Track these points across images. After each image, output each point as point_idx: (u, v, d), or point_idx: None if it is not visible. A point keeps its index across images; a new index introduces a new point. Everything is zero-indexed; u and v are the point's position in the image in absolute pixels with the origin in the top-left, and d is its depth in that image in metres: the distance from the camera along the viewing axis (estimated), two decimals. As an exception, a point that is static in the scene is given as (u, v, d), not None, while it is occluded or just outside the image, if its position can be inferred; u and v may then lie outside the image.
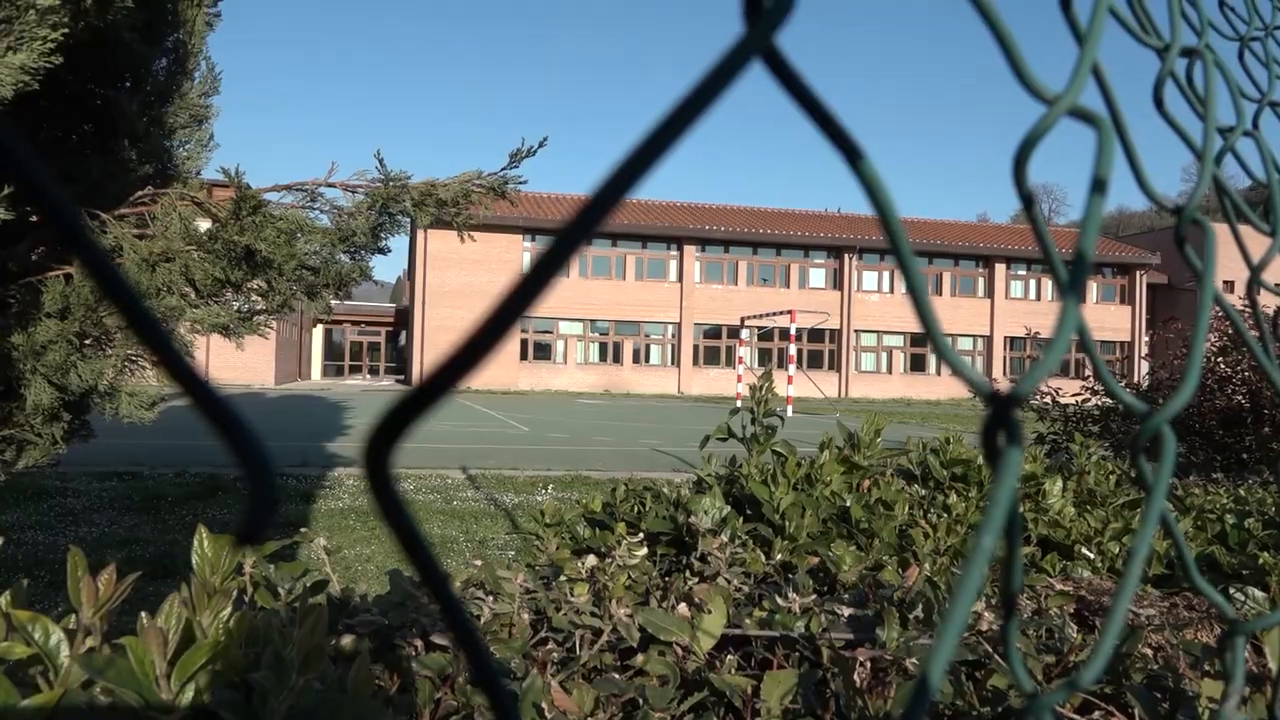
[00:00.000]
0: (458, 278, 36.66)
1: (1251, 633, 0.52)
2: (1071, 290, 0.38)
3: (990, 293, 42.02)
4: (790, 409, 24.95)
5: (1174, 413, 0.45)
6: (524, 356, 37.96)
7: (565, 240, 0.28)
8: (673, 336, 39.28)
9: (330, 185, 3.76)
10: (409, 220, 3.89)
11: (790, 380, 25.71)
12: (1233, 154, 0.81)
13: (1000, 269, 41.78)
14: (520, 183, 3.87)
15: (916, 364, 41.21)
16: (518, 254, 37.32)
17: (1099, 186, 0.41)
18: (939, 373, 41.59)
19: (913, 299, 0.41)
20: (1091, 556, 2.89)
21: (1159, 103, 0.65)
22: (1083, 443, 4.27)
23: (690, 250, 38.75)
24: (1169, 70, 0.68)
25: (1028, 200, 0.44)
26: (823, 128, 0.36)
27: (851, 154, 0.36)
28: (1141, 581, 2.91)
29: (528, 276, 0.28)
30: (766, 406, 3.06)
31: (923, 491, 3.38)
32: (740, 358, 29.79)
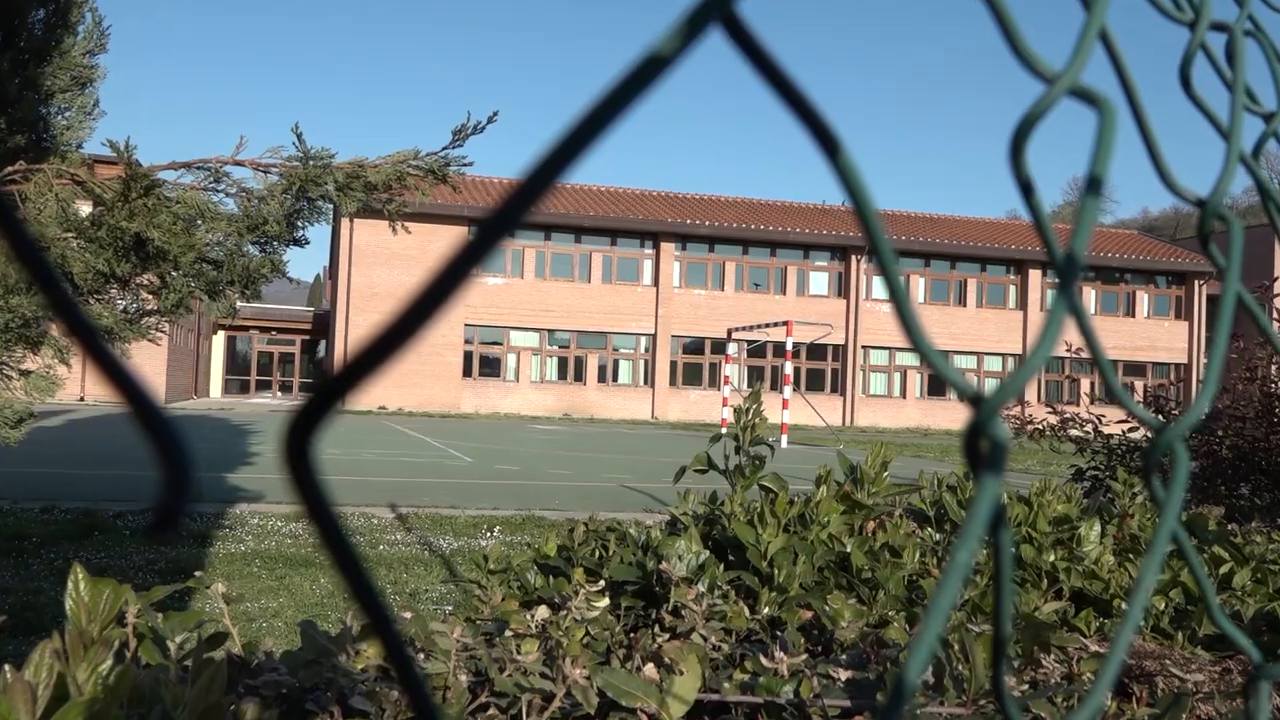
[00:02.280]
0: (389, 277, 36.63)
1: (1278, 679, 0.55)
2: (1062, 293, 0.42)
3: (1023, 303, 42.52)
4: (785, 439, 25.08)
5: (1188, 427, 0.48)
6: (468, 373, 37.96)
7: (495, 225, 0.30)
8: (646, 351, 39.46)
9: (238, 164, 3.76)
10: (332, 207, 3.91)
11: (785, 405, 25.88)
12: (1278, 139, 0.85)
13: (1035, 275, 42.26)
14: (465, 164, 3.90)
15: (935, 388, 41.61)
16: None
17: (1094, 185, 0.45)
18: (962, 399, 42.08)
19: (891, 299, 0.44)
20: (1140, 620, 2.94)
21: (1185, 81, 0.69)
22: (1127, 480, 4.34)
23: (668, 248, 39.01)
24: (1199, 43, 0.72)
25: (1026, 188, 0.47)
26: (793, 109, 0.39)
27: (827, 143, 0.39)
28: (1191, 643, 2.95)
29: (456, 258, 0.30)
30: (754, 433, 3.10)
31: (937, 536, 3.42)
32: (726, 377, 29.93)
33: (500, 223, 0.31)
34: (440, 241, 36.53)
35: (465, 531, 9.35)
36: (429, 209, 35.07)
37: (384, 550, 8.30)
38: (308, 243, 3.69)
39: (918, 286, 41.89)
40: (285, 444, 0.30)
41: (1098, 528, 3.49)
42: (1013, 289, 42.77)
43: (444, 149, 3.83)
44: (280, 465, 0.31)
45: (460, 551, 8.33)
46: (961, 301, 41.90)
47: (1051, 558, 3.32)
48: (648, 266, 39.51)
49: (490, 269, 37.82)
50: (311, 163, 3.47)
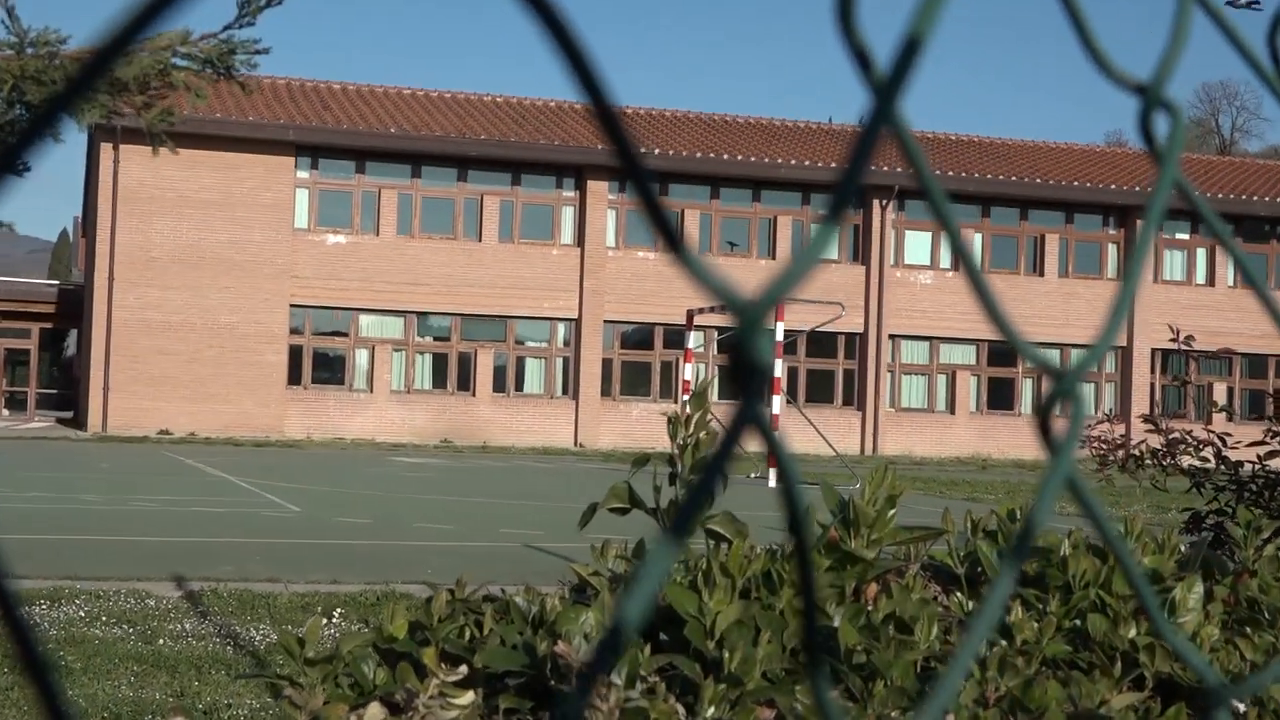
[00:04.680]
0: (175, 233, 36.41)
1: (1237, 700, 0.65)
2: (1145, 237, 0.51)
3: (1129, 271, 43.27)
4: (774, 473, 25.28)
5: (1085, 369, 0.57)
6: (295, 379, 37.83)
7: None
8: (566, 344, 39.58)
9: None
10: (72, 121, 3.92)
11: (775, 422, 26.08)
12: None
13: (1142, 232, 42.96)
14: (257, 50, 3.93)
15: (999, 396, 42.19)
16: (287, 187, 37.15)
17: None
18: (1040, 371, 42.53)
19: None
20: (1243, 709, 3.08)
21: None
22: (1250, 521, 4.49)
23: (598, 190, 39.15)
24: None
25: (861, 58, 0.56)
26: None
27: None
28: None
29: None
30: (698, 453, 3.19)
31: (968, 602, 3.54)
32: (686, 383, 30.01)
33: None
34: (254, 178, 36.35)
35: (289, 616, 9.35)
36: (235, 128, 34.87)
37: (165, 646, 8.30)
38: (26, 169, 3.70)
39: (973, 244, 42.38)
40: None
41: (1199, 589, 3.64)
42: (1112, 251, 43.38)
43: (226, 29, 3.87)
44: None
45: (279, 649, 8.34)
46: (1038, 268, 42.50)
47: (1131, 632, 3.45)
48: (568, 217, 39.63)
49: (327, 220, 37.70)
50: (31, 51, 3.49)
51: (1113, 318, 0.49)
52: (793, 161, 39.99)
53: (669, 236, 0.46)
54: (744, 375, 0.48)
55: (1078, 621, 3.54)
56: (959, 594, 3.63)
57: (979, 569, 3.72)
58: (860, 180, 0.49)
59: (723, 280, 0.47)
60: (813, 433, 34.81)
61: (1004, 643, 3.34)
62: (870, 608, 3.25)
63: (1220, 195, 42.05)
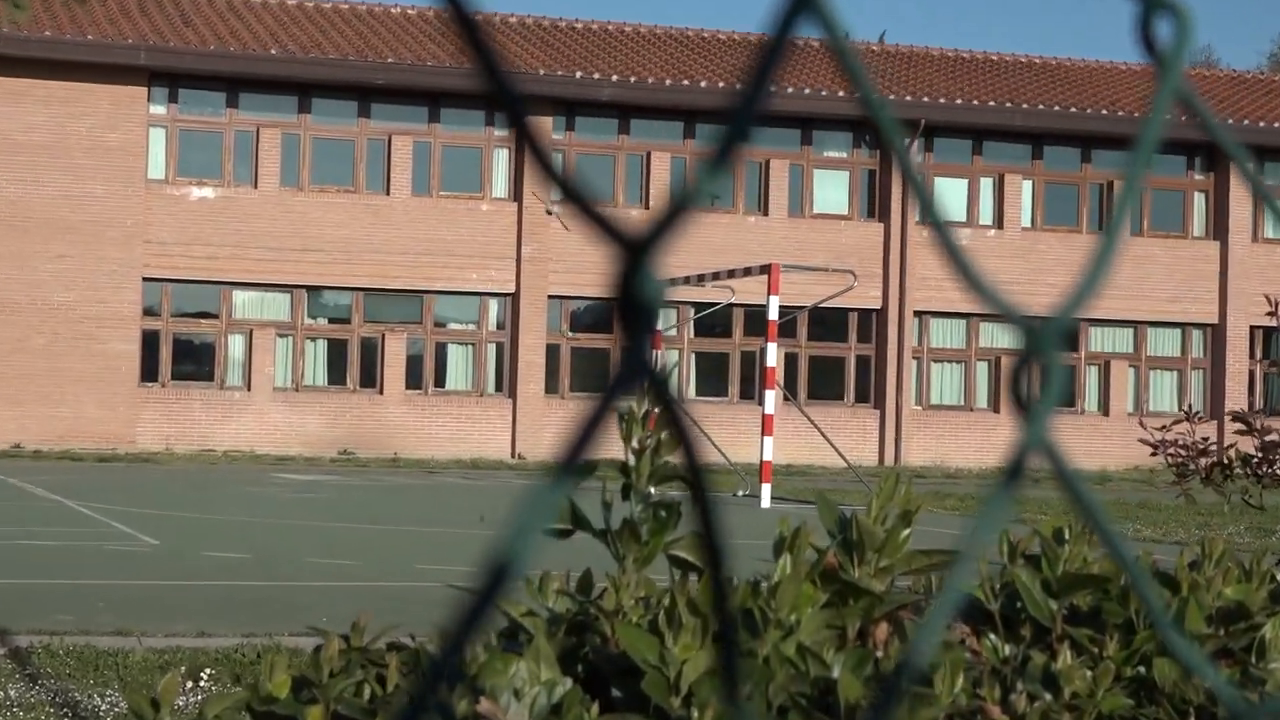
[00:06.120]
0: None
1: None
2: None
3: (1219, 230, 43.14)
4: (767, 490, 25.31)
5: (1063, 325, 0.61)
6: (150, 374, 37.54)
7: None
8: (500, 327, 39.39)
9: None
10: None
11: (768, 425, 26.11)
12: None
13: (1237, 178, 43.08)
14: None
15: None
16: (138, 126, 36.87)
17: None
18: (1101, 408, 42.22)
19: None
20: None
21: None
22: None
23: (539, 125, 38.85)
24: None
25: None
26: None
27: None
28: None
29: None
30: (658, 462, 3.22)
31: (1005, 648, 3.58)
32: (657, 375, 30.13)
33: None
34: (95, 115, 36.10)
35: (144, 678, 9.34)
36: (69, 49, 34.64)
37: (-17, 716, 8.27)
38: None
39: (1021, 194, 42.19)
40: None
41: (1295, 626, 3.67)
42: (1199, 201, 43.45)
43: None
44: None
45: (132, 716, 8.33)
46: (1104, 225, 42.38)
47: (1210, 681, 3.49)
48: (500, 162, 39.47)
49: (190, 169, 37.41)
50: None
51: (1095, 266, 0.53)
52: (787, 89, 39.64)
53: (539, 157, 0.50)
54: (629, 316, 0.51)
55: (1141, 669, 3.58)
56: (992, 636, 3.66)
57: (1018, 604, 3.74)
58: (763, 99, 0.53)
59: (603, 212, 0.50)
60: (817, 438, 34.61)
61: (1048, 696, 3.37)
62: (879, 653, 3.27)
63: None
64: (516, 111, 0.48)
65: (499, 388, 39.42)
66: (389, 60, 37.85)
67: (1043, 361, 0.57)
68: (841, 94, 39.99)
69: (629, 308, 0.51)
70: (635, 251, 0.50)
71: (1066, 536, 3.79)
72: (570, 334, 39.75)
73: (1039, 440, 0.59)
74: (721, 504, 0.60)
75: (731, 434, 33.00)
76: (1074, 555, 3.70)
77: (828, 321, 39.83)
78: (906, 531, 3.41)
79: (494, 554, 0.51)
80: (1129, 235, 42.18)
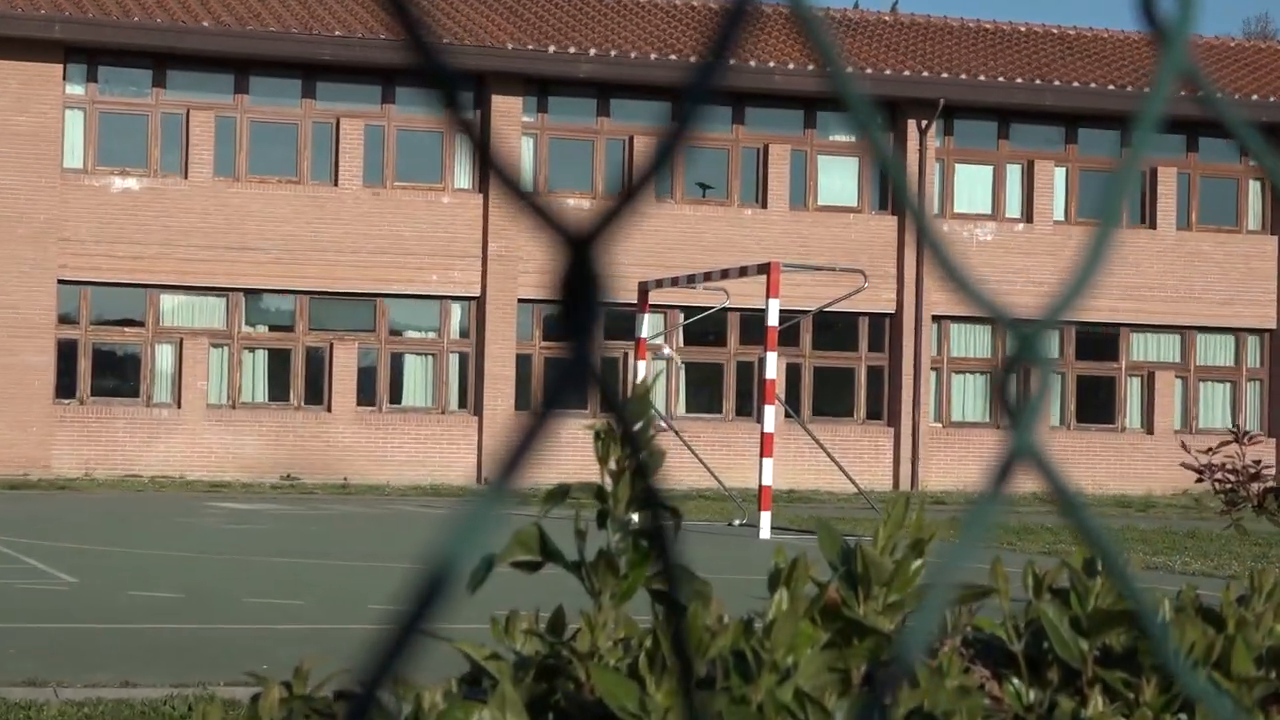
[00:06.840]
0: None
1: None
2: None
3: (1278, 223, 43.07)
4: (767, 519, 25.32)
5: (1052, 323, 0.63)
6: (67, 389, 37.44)
7: None
8: (464, 336, 39.32)
9: None
10: None
11: (768, 445, 26.11)
12: None
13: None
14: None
15: (1094, 402, 42.21)
16: (52, 108, 36.82)
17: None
18: (1145, 425, 42.23)
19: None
20: None
21: None
22: None
23: (508, 106, 39.03)
24: None
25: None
26: None
27: None
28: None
29: None
30: (638, 482, 3.24)
31: (1029, 693, 3.60)
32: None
33: None
34: (3, 96, 36.03)
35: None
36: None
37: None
38: None
39: (1053, 183, 42.17)
40: None
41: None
42: (1255, 191, 43.42)
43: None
44: None
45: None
46: (1147, 218, 42.47)
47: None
48: (463, 149, 39.39)
49: (112, 156, 37.31)
50: None
51: (1090, 259, 0.56)
52: (787, 66, 39.67)
53: (476, 144, 0.52)
54: (572, 315, 0.53)
55: (1182, 716, 3.60)
56: (1015, 680, 3.68)
57: (1044, 644, 3.76)
58: (722, 72, 0.55)
59: (543, 202, 0.52)
60: (823, 460, 34.52)
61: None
62: (887, 700, 3.30)
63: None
64: (447, 88, 0.50)
65: (463, 404, 39.40)
66: (337, 33, 37.74)
67: (1032, 364, 0.59)
68: (851, 70, 39.95)
69: (572, 306, 0.53)
70: (579, 245, 0.52)
71: (1098, 568, 3.82)
72: (543, 343, 39.69)
73: (1027, 447, 0.61)
74: (681, 530, 0.63)
75: (726, 455, 33.15)
76: (1106, 589, 3.72)
77: (835, 328, 39.85)
78: (918, 563, 3.42)
79: (418, 582, 0.53)
80: (1176, 230, 42.19)
